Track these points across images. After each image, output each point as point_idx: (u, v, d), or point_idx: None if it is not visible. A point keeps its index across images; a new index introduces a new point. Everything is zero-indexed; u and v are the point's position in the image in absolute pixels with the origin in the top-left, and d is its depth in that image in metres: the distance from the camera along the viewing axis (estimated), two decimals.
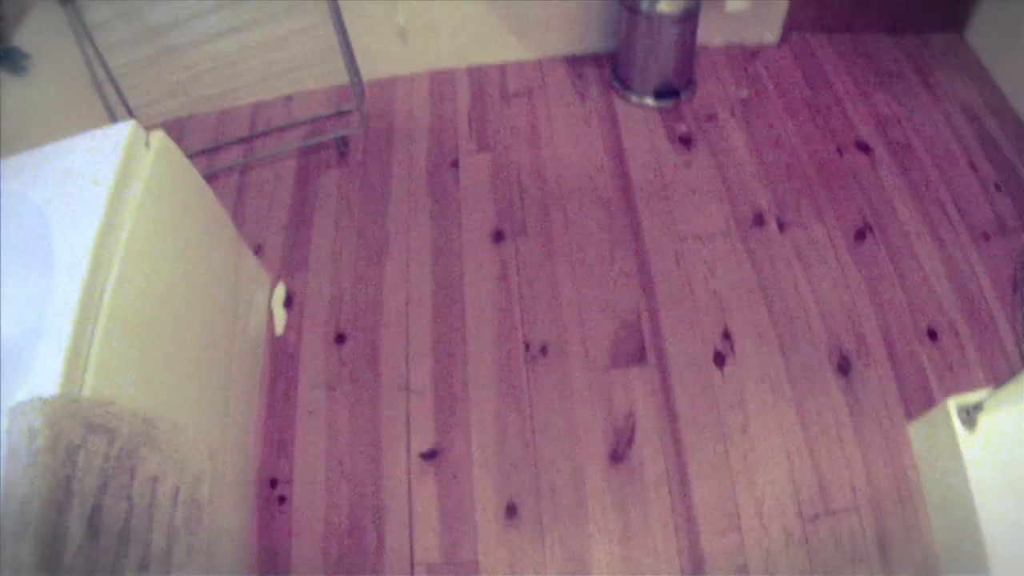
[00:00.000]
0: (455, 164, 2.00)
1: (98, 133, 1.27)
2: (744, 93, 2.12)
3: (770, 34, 2.23)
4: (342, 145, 2.03)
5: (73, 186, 1.18)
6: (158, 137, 1.31)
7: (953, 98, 2.12)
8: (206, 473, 1.30)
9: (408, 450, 1.54)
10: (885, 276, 1.75)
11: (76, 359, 1.01)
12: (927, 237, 1.83)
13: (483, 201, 1.91)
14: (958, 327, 1.68)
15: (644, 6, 1.87)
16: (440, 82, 2.22)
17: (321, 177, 2.00)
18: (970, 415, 1.32)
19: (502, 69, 2.23)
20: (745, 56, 2.23)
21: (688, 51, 2.01)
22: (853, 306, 1.70)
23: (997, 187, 1.93)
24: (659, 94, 2.06)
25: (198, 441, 1.31)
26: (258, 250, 1.85)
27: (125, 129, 1.27)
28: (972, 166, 1.97)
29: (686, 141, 2.02)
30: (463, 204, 1.90)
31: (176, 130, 2.16)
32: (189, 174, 1.42)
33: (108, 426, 1.04)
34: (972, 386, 1.60)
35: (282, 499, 1.50)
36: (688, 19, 1.90)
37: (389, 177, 1.98)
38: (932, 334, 1.67)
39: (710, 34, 2.19)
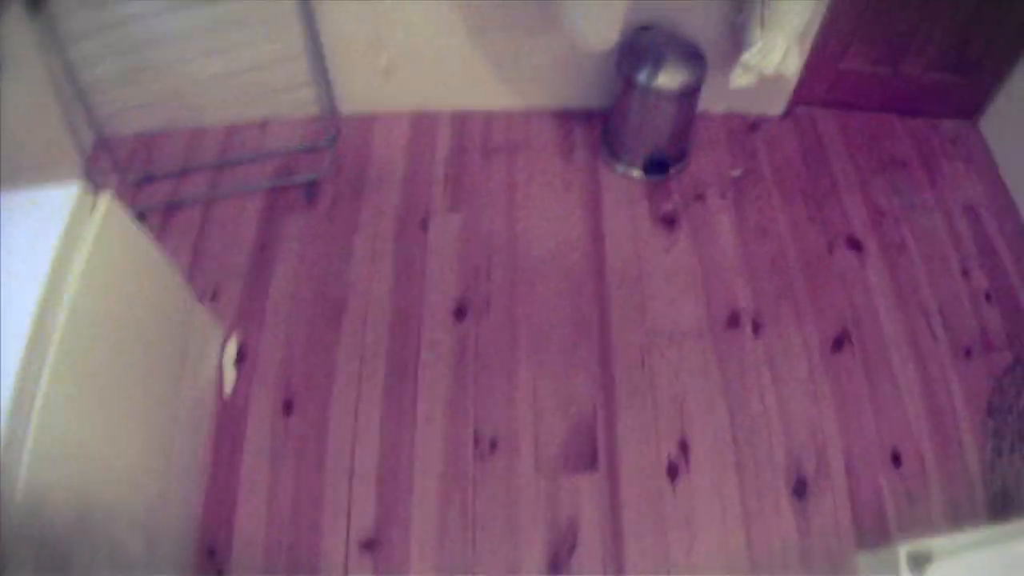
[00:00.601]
0: (424, 225, 1.91)
1: (42, 195, 1.20)
2: (737, 172, 2.02)
3: (775, 106, 2.11)
4: (311, 190, 1.94)
5: (14, 252, 1.12)
6: (105, 201, 1.25)
7: (956, 194, 2.03)
8: (141, 558, 1.27)
9: (347, 537, 1.50)
10: (857, 391, 1.70)
11: (12, 442, 0.97)
12: (906, 350, 1.77)
13: (448, 271, 1.83)
14: (924, 453, 1.64)
15: (641, 79, 1.75)
16: (421, 125, 2.10)
17: (286, 221, 1.91)
18: (918, 563, 1.29)
19: (488, 117, 2.11)
20: (745, 128, 2.12)
21: (684, 126, 1.90)
22: (819, 422, 1.65)
23: (987, 298, 1.86)
24: (648, 168, 1.96)
25: (134, 524, 1.28)
26: (214, 295, 1.79)
27: (71, 192, 1.20)
28: (965, 272, 1.90)
29: (670, 222, 1.92)
30: (427, 272, 1.82)
31: (146, 146, 2.06)
32: (136, 238, 1.35)
33: (40, 532, 1.02)
34: (929, 521, 1.57)
35: (219, 573, 1.47)
36: (688, 95, 1.79)
37: (355, 232, 1.89)
38: (896, 458, 1.62)
39: (712, 101, 2.06)
